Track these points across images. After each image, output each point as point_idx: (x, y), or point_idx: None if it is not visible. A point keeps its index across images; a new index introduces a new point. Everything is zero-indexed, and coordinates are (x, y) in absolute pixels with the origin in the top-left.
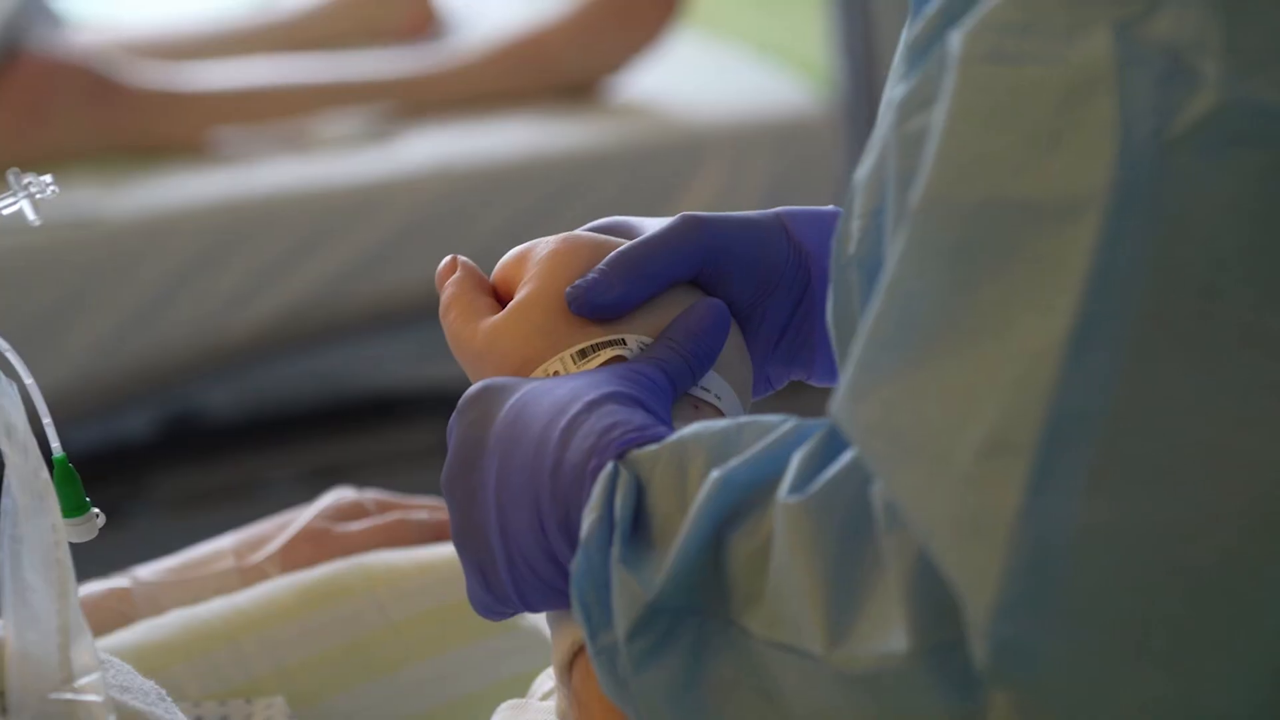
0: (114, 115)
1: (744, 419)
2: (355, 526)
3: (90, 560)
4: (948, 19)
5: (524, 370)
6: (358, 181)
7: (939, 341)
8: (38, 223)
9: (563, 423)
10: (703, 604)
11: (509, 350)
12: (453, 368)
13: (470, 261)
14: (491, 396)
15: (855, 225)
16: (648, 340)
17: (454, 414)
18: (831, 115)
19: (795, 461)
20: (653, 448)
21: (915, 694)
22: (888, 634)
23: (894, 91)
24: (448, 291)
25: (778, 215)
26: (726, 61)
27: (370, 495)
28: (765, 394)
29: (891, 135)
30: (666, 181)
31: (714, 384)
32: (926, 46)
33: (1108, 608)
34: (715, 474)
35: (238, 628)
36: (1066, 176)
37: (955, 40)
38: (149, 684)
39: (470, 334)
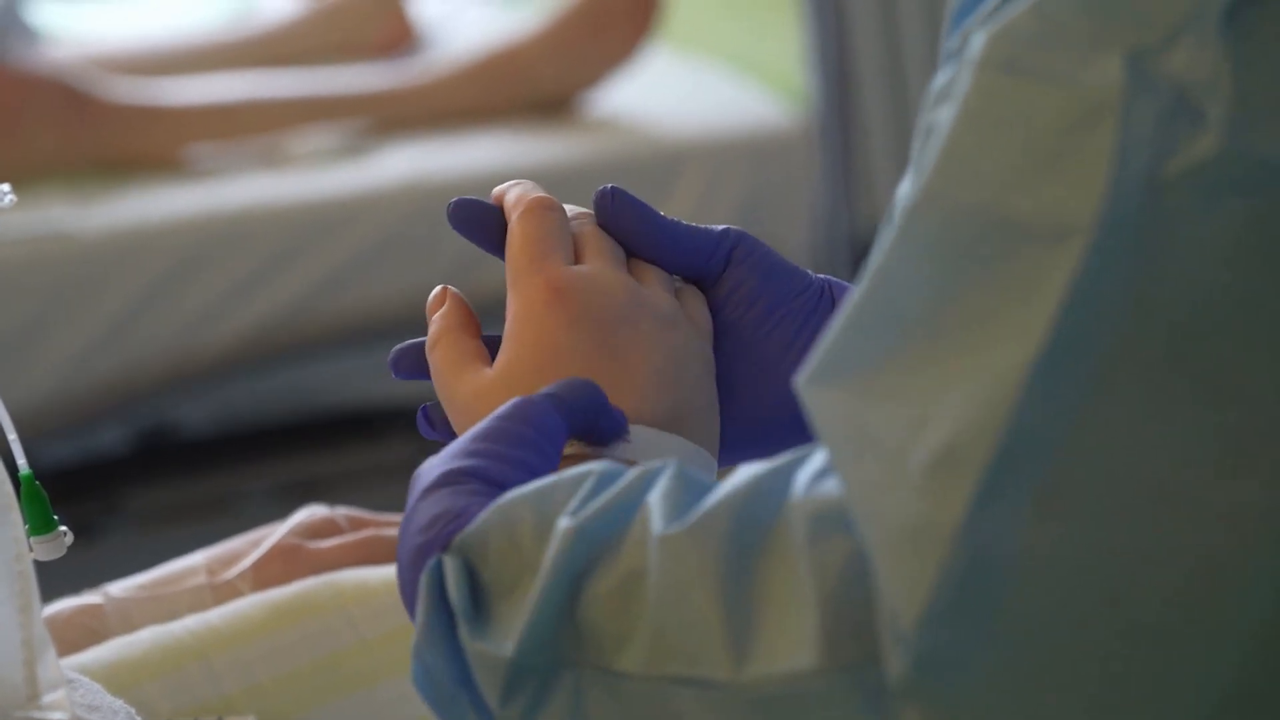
0: (88, 130)
1: (554, 476)
2: (327, 543)
3: (63, 576)
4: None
5: None
6: (333, 197)
7: (913, 342)
8: None
9: (407, 512)
10: (571, 656)
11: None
12: (428, 384)
13: (459, 294)
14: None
15: None
16: (629, 428)
17: None
18: (807, 131)
19: (656, 500)
20: (474, 524)
21: (826, 712)
22: (793, 651)
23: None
24: (436, 326)
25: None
26: (701, 77)
27: (342, 512)
28: (746, 459)
29: (920, 123)
30: (642, 196)
31: (695, 458)
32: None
33: (1038, 633)
34: (566, 523)
35: (209, 645)
36: (1058, 201)
37: (978, 41)
38: (118, 703)
39: (454, 386)
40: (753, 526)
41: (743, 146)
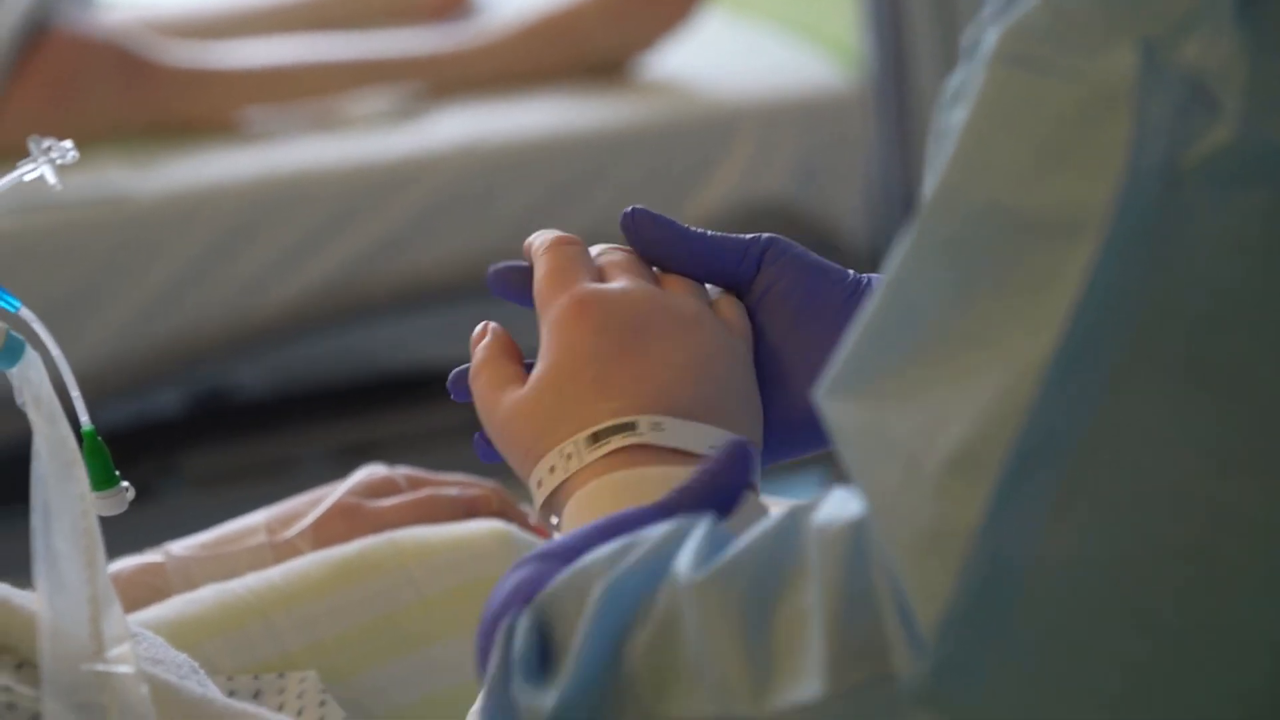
0: (144, 94)
1: (633, 537)
2: (387, 502)
3: (122, 537)
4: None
5: (538, 449)
6: (387, 160)
7: (929, 343)
8: (59, 187)
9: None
10: (612, 712)
11: (524, 431)
12: None
13: (500, 328)
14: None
15: None
16: (659, 420)
17: None
18: (861, 93)
19: (688, 552)
20: (552, 585)
21: None
22: (804, 681)
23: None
24: (478, 357)
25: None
26: (756, 39)
27: (402, 471)
28: (786, 459)
29: (934, 124)
30: (696, 159)
31: (714, 437)
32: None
33: (1057, 637)
34: (601, 583)
35: (271, 603)
36: (1070, 194)
37: (991, 36)
38: (181, 656)
39: (494, 406)
40: (773, 569)
41: (797, 109)
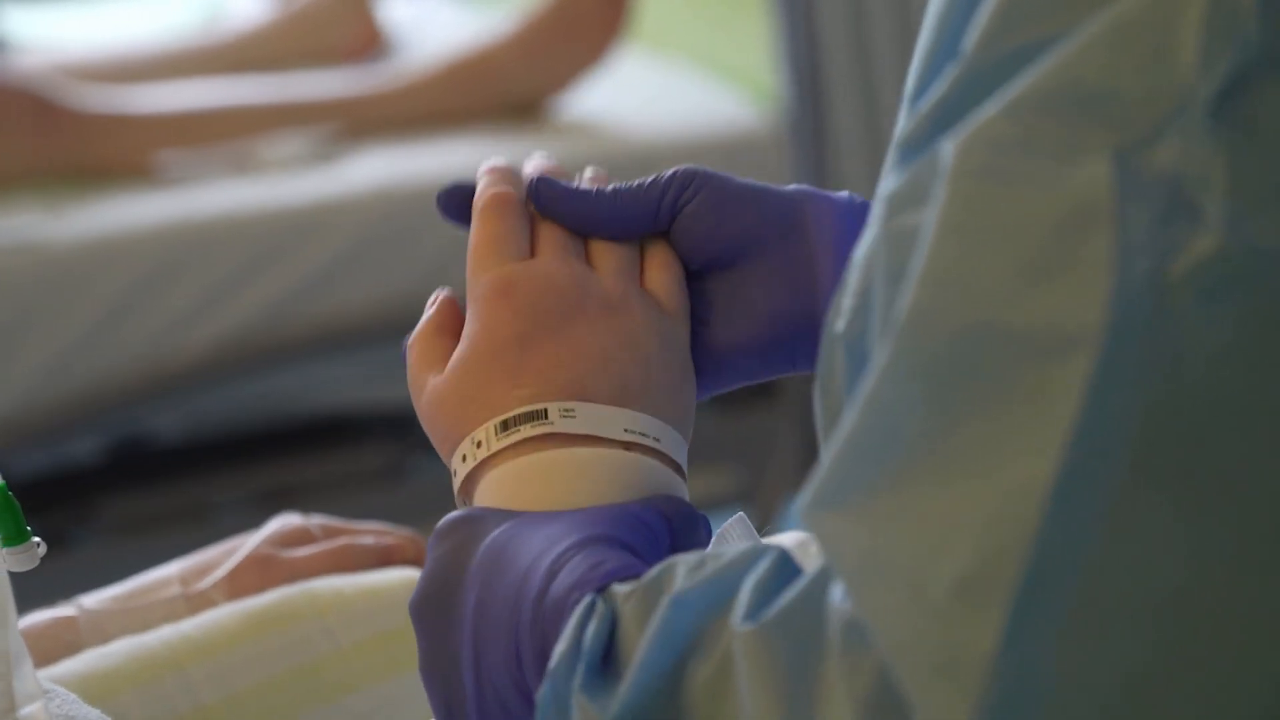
0: (57, 139)
1: (712, 551)
2: (302, 552)
3: (37, 587)
4: (941, 121)
5: (454, 435)
6: (304, 203)
7: (920, 466)
8: None
9: (551, 556)
10: None
11: (442, 418)
12: (401, 389)
13: (450, 297)
14: (473, 526)
15: (847, 303)
16: (571, 405)
17: (431, 537)
18: (778, 132)
19: (748, 587)
20: (631, 584)
21: None
22: None
23: (883, 185)
24: (418, 327)
25: (800, 193)
26: (672, 79)
27: (316, 520)
28: (721, 390)
29: (880, 230)
30: None
31: (648, 425)
32: (919, 145)
33: None
34: (667, 597)
35: (185, 655)
36: (1059, 311)
37: (947, 150)
38: (94, 713)
39: (419, 389)
40: (815, 639)
41: (714, 148)
